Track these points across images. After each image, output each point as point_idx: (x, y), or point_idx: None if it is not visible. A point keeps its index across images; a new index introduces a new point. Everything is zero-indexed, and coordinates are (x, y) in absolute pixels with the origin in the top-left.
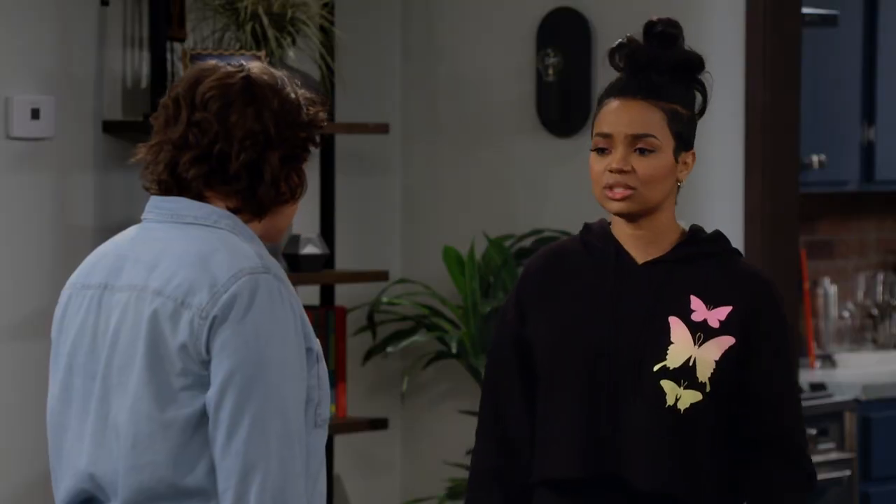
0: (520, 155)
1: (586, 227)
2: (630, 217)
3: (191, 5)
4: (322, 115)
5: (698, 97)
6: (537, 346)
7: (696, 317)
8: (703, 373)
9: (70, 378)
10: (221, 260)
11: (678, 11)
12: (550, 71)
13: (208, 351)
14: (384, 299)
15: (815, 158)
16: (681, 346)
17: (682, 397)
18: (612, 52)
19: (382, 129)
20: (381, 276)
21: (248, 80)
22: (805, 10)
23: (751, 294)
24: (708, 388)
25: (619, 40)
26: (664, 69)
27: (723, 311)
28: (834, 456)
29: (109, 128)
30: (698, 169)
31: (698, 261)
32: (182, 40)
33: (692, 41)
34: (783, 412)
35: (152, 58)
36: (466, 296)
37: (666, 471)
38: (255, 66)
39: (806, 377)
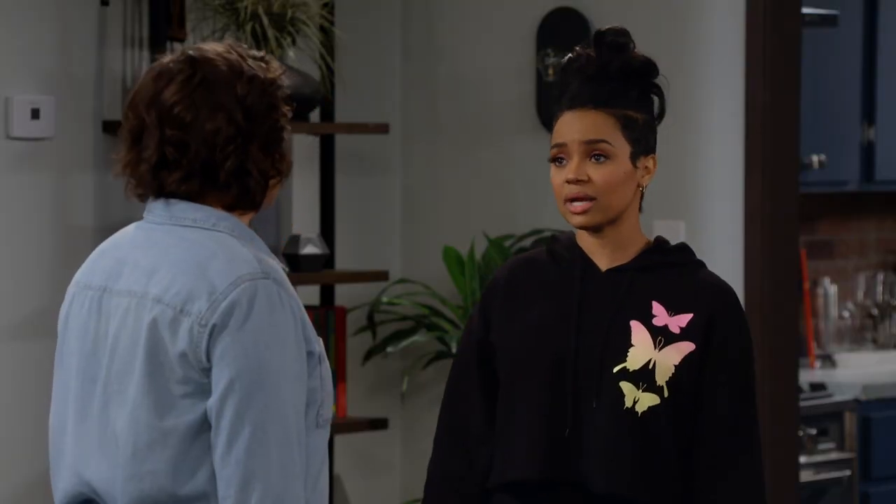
0: (520, 155)
1: (554, 238)
2: (593, 229)
3: (191, 5)
4: (279, 72)
5: (656, 102)
6: (500, 351)
7: (658, 322)
8: (662, 376)
9: (72, 379)
10: (220, 266)
11: (678, 11)
12: (550, 71)
13: (209, 359)
14: (384, 299)
15: (815, 158)
16: (641, 349)
17: (640, 400)
18: (564, 67)
19: (382, 129)
20: (381, 276)
21: (207, 79)
22: (805, 10)
23: (712, 303)
24: (665, 393)
25: (570, 54)
26: (614, 76)
27: (684, 318)
28: (834, 456)
29: (109, 128)
30: (698, 169)
31: (662, 269)
32: (182, 40)
33: (692, 41)
34: (736, 421)
35: (152, 58)
36: (466, 296)
37: (623, 473)
38: (208, 54)
39: (806, 377)
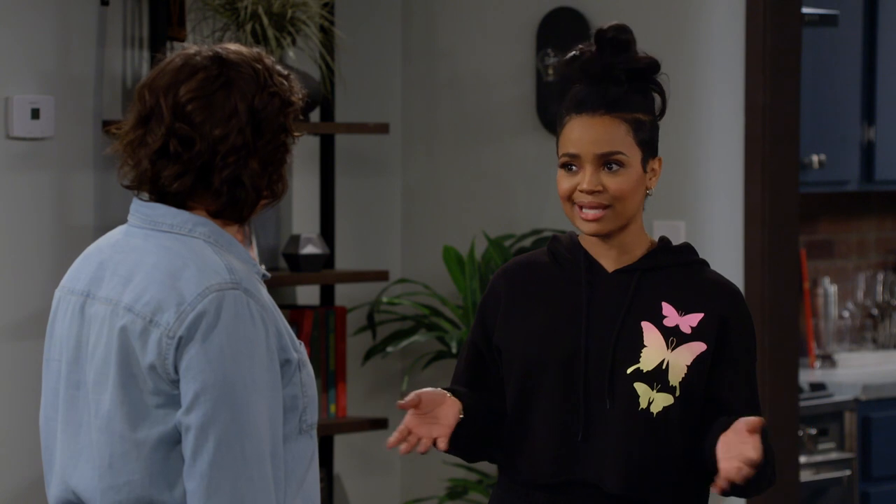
0: (520, 155)
1: (555, 238)
2: (604, 236)
3: (191, 5)
4: (300, 96)
5: (657, 99)
6: (507, 353)
7: (669, 322)
8: (675, 377)
9: (58, 384)
10: (190, 276)
11: (678, 11)
12: (550, 71)
13: (176, 370)
14: (384, 299)
15: (815, 158)
16: (654, 350)
17: (654, 401)
18: (566, 65)
19: (382, 129)
20: (381, 276)
21: (229, 83)
22: (805, 10)
23: (721, 303)
24: (678, 392)
25: (572, 52)
26: (621, 78)
27: (694, 318)
28: (834, 456)
29: (112, 125)
30: (698, 169)
31: (668, 269)
32: (182, 40)
33: (692, 41)
34: (746, 406)
35: (152, 58)
36: (466, 296)
37: (639, 474)
38: (234, 60)
39: (806, 377)
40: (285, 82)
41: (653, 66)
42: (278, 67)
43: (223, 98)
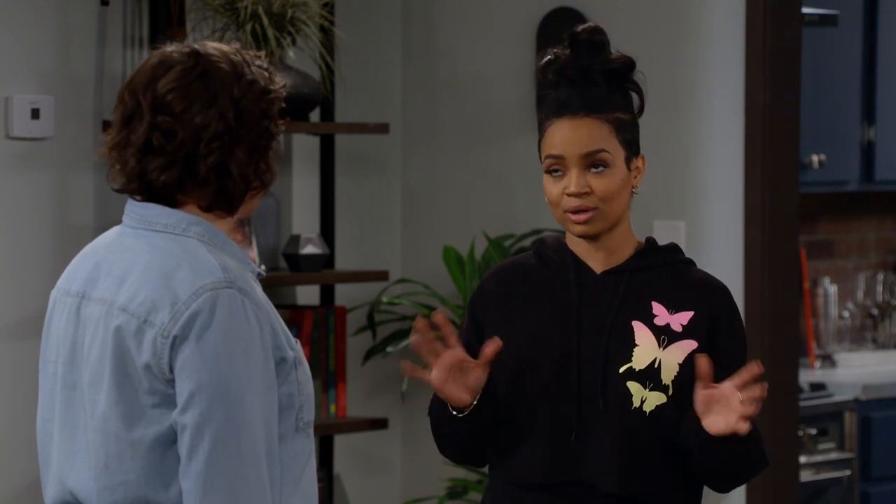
0: (520, 155)
1: (541, 241)
2: (593, 237)
3: (191, 5)
4: (280, 85)
5: (635, 98)
6: (499, 356)
7: (659, 321)
8: (668, 375)
9: (55, 386)
10: (184, 276)
11: (678, 11)
12: None
13: (171, 370)
14: (384, 299)
15: (815, 158)
16: (645, 349)
17: (647, 399)
18: (543, 69)
19: (382, 129)
20: (381, 276)
21: (206, 73)
22: (805, 10)
23: (711, 301)
24: (671, 391)
25: (548, 56)
26: (600, 79)
27: (684, 317)
28: (834, 456)
29: (109, 127)
30: (698, 169)
31: (656, 269)
32: (182, 40)
33: (692, 41)
34: None
35: None
36: (466, 296)
37: (634, 473)
38: (211, 52)
39: (806, 377)
40: (265, 72)
41: (628, 64)
42: (257, 60)
43: (202, 87)
